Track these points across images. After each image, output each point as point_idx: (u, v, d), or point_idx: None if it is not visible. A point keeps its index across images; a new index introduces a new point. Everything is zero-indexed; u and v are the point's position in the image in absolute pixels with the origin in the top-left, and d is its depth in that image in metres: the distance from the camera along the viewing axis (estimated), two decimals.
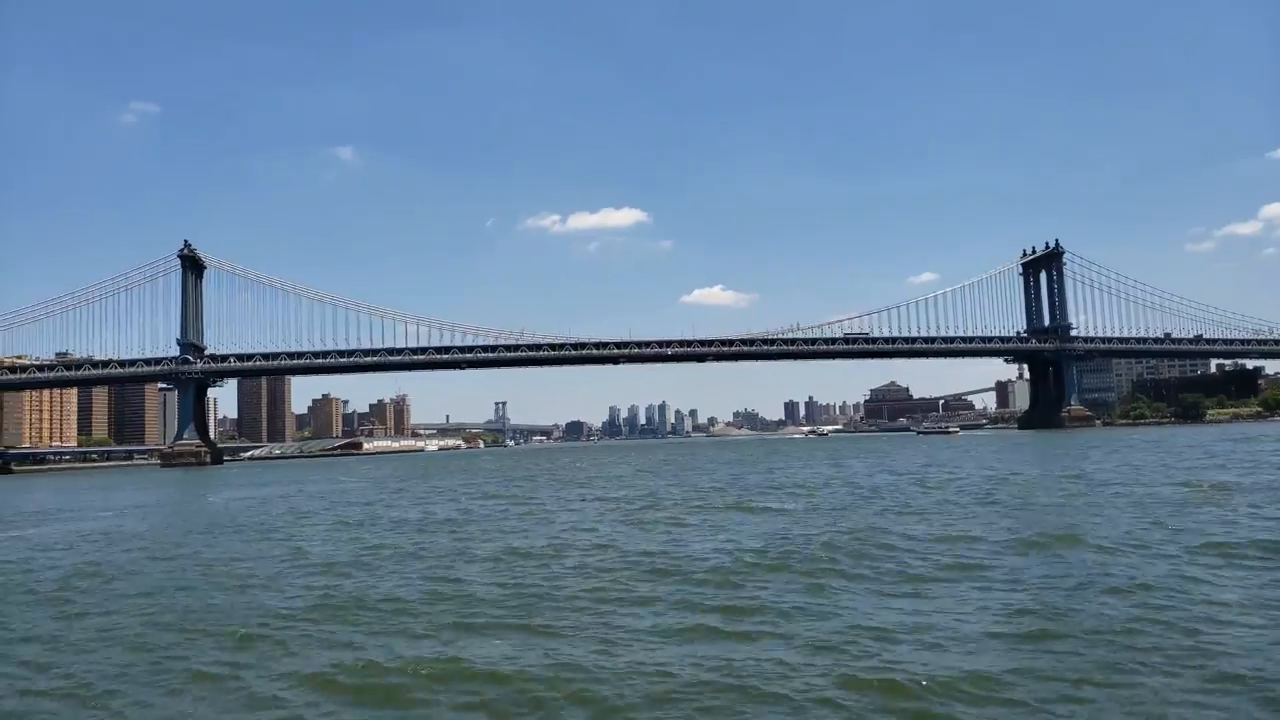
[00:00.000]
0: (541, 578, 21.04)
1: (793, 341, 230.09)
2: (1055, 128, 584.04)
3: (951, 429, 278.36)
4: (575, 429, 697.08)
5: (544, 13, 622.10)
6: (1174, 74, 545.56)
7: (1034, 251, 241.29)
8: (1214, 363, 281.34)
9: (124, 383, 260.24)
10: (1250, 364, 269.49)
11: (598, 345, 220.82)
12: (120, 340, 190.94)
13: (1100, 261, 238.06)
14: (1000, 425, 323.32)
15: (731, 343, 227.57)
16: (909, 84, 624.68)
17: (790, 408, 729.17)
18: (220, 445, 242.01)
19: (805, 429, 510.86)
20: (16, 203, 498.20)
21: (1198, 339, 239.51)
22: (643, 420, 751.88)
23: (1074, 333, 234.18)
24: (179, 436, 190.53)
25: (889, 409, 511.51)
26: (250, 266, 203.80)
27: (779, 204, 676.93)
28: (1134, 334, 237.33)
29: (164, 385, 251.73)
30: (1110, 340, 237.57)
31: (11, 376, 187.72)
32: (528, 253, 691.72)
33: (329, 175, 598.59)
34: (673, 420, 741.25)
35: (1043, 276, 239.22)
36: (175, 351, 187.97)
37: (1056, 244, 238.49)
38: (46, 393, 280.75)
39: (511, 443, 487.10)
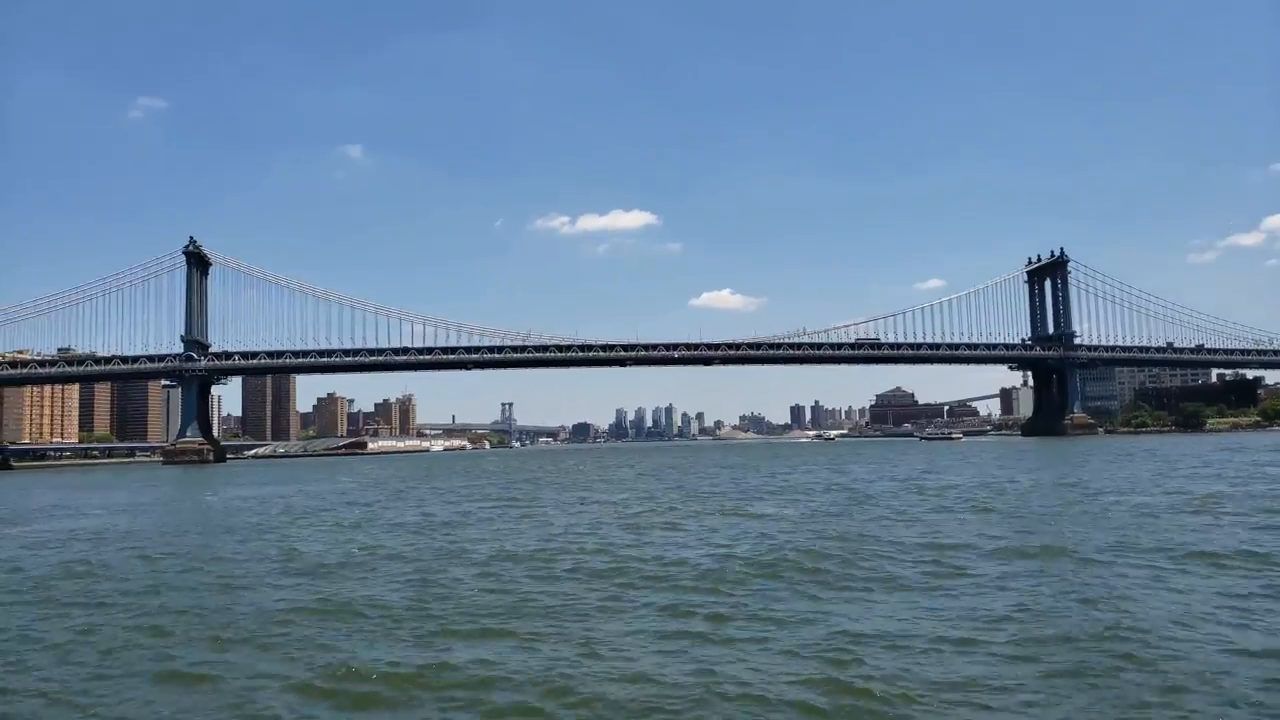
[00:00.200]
0: (532, 582, 21.04)
1: (799, 346, 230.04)
2: (1061, 136, 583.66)
3: (955, 435, 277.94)
4: (582, 431, 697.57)
5: (554, 15, 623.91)
6: (1178, 84, 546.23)
7: (1039, 259, 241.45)
8: (1214, 372, 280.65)
9: (127, 379, 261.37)
10: (1250, 374, 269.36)
11: (604, 347, 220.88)
12: (123, 337, 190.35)
13: (1104, 270, 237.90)
14: (1004, 432, 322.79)
15: (738, 346, 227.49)
16: (916, 87, 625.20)
17: (796, 412, 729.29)
18: (224, 443, 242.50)
19: (811, 433, 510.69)
20: (21, 198, 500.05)
21: (1199, 348, 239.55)
22: (649, 423, 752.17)
23: (1078, 341, 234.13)
24: (182, 434, 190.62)
25: (894, 414, 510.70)
26: (257, 264, 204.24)
27: (787, 207, 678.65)
28: (1137, 343, 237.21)
29: (167, 382, 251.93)
30: (1113, 349, 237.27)
31: (12, 372, 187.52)
32: (537, 254, 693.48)
33: (338, 174, 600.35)
34: (679, 423, 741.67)
35: (1047, 284, 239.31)
36: (179, 348, 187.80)
37: (1061, 252, 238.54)
38: (48, 389, 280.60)
39: (517, 444, 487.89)
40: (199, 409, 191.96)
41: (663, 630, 15.73)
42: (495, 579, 21.58)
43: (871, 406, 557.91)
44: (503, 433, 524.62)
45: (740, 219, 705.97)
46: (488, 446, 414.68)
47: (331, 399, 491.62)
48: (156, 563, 26.67)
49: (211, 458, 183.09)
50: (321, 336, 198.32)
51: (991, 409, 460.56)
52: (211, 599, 20.05)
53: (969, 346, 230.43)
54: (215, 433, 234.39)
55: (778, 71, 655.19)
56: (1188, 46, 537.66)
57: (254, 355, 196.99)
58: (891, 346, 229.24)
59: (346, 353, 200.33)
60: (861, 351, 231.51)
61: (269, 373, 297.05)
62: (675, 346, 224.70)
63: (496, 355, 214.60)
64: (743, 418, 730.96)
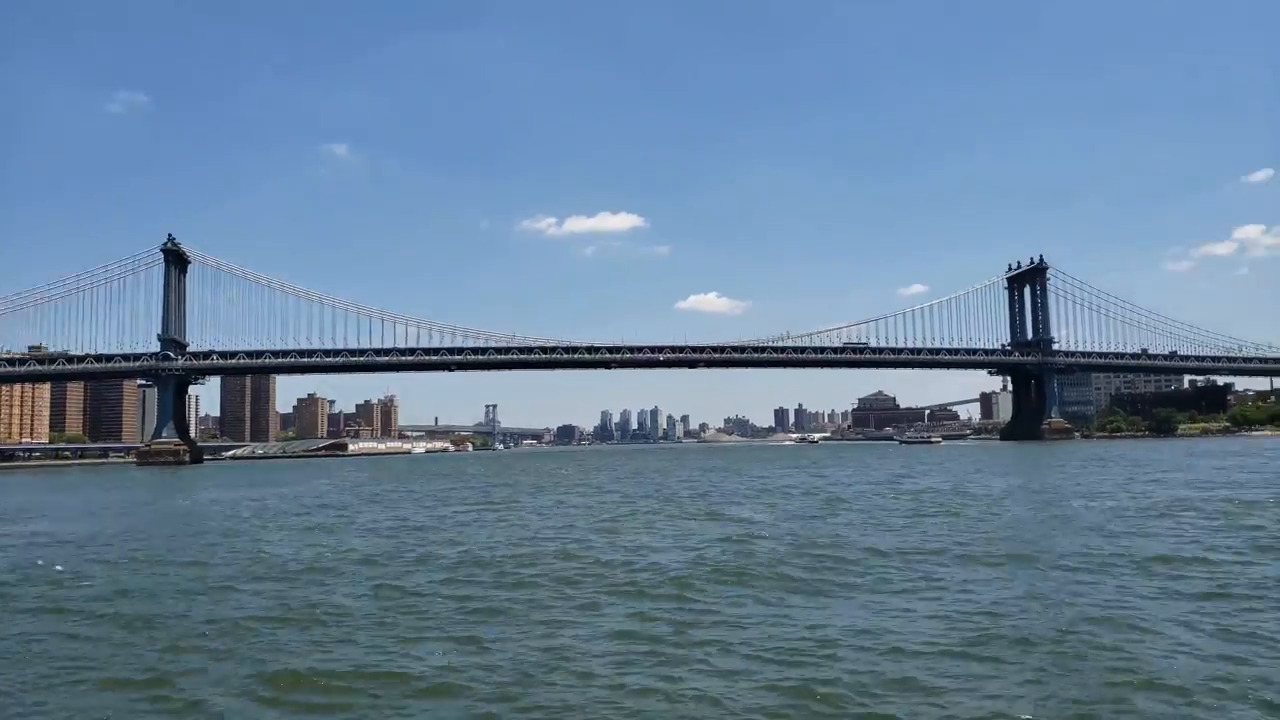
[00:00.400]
0: (499, 588, 20.93)
1: (783, 349, 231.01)
2: (1044, 146, 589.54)
3: (934, 439, 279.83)
4: (566, 433, 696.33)
5: (546, 16, 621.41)
6: (1158, 99, 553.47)
7: (1019, 266, 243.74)
8: (1187, 379, 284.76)
9: (100, 378, 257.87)
10: (1221, 380, 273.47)
11: (590, 349, 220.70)
12: (98, 335, 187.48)
13: (1082, 278, 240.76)
14: (984, 436, 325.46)
15: (724, 350, 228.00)
16: (904, 94, 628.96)
17: (780, 415, 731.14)
18: (201, 444, 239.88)
19: (795, 436, 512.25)
20: None
21: (1172, 355, 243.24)
22: (634, 425, 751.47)
23: (1055, 347, 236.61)
24: (157, 434, 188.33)
25: (876, 418, 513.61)
26: (237, 262, 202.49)
27: (775, 211, 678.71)
28: (1113, 349, 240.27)
29: (143, 382, 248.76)
30: (1090, 355, 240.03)
31: None
32: (523, 255, 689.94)
33: (322, 172, 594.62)
34: (664, 426, 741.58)
35: (1027, 291, 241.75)
36: (155, 347, 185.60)
37: (1041, 259, 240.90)
38: (18, 387, 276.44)
39: (500, 446, 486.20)
40: (175, 409, 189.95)
41: (627, 635, 15.70)
42: (462, 584, 21.45)
43: (854, 410, 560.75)
44: (486, 435, 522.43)
45: (728, 222, 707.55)
46: (470, 448, 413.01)
47: (312, 399, 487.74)
48: (117, 567, 26.31)
49: (188, 459, 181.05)
50: (302, 336, 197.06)
51: (971, 413, 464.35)
52: (170, 605, 19.77)
53: (949, 351, 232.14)
54: (192, 433, 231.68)
55: (769, 75, 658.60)
56: (1167, 64, 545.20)
57: (233, 355, 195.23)
58: (874, 350, 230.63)
59: (327, 353, 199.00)
60: (844, 355, 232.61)
61: (248, 373, 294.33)
62: (660, 349, 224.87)
63: (480, 356, 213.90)
64: (727, 420, 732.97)
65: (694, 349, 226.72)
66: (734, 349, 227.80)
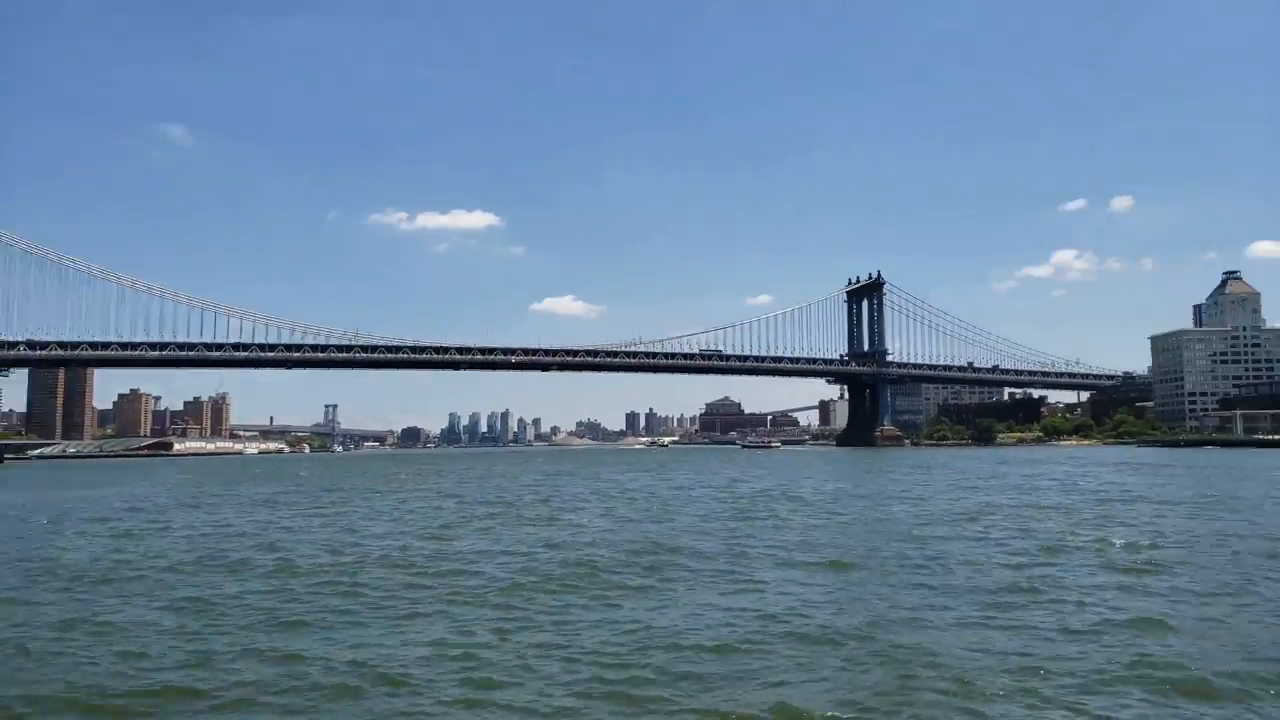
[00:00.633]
0: (313, 595, 20.16)
1: (636, 355, 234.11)
2: (886, 165, 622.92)
3: (774, 444, 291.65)
4: (412, 436, 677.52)
5: (405, 6, 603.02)
6: (988, 129, 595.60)
7: (858, 281, 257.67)
8: (1007, 391, 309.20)
9: None
10: (1036, 393, 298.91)
11: (438, 349, 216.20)
12: None
13: (917, 294, 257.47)
14: (821, 441, 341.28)
15: (577, 353, 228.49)
16: (762, 108, 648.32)
17: (631, 419, 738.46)
18: (1, 442, 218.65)
19: (645, 440, 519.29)
20: None
21: (995, 369, 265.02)
22: (484, 428, 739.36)
23: (890, 358, 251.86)
24: None
25: (722, 422, 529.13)
26: (52, 247, 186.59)
27: (634, 216, 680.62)
28: (942, 362, 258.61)
29: None
30: (921, 367, 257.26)
31: None
32: (372, 250, 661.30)
33: (155, 155, 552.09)
34: (515, 429, 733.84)
35: (865, 305, 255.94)
36: None
37: (878, 275, 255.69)
38: None
39: (340, 448, 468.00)
40: None
41: (443, 645, 15.40)
42: (274, 595, 20.50)
43: (701, 415, 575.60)
44: (325, 436, 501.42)
45: (587, 225, 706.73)
46: (308, 450, 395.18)
47: (135, 395, 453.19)
48: None
49: None
50: (125, 328, 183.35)
51: (811, 419, 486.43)
52: None
53: (791, 360, 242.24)
54: None
55: (629, 81, 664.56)
56: (994, 98, 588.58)
57: (43, 345, 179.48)
58: (721, 357, 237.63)
59: (152, 346, 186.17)
60: (694, 361, 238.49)
61: (60, 365, 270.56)
62: (512, 351, 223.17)
63: (320, 354, 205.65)
64: (579, 424, 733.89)
65: (547, 351, 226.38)
66: (587, 352, 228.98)
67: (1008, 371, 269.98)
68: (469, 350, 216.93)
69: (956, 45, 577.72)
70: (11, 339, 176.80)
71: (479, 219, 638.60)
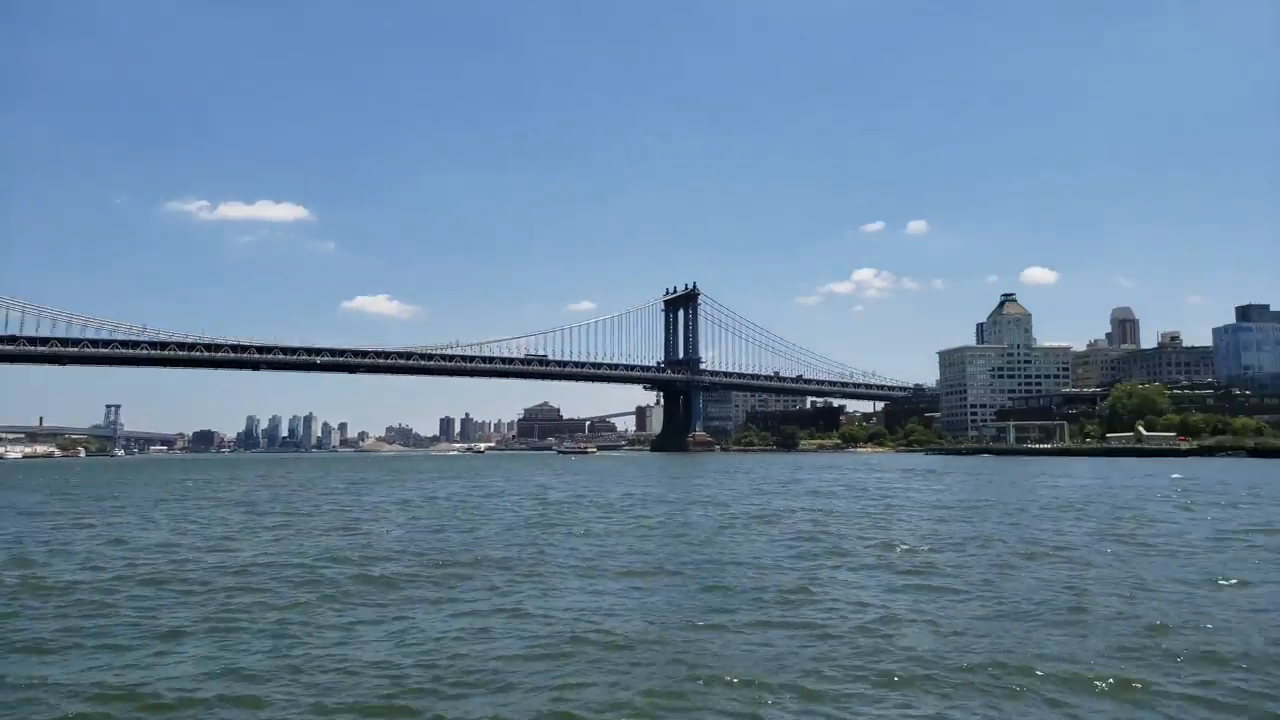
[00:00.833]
0: (59, 617, 18.15)
1: (452, 358, 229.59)
2: (704, 178, 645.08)
3: (590, 450, 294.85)
4: (205, 439, 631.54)
5: None
6: (799, 147, 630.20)
7: (675, 291, 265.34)
8: (809, 399, 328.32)
9: None
10: (836, 402, 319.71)
11: (235, 348, 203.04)
12: None
13: (730, 305, 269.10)
14: (637, 446, 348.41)
15: (389, 355, 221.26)
16: (585, 115, 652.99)
17: (446, 424, 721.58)
18: None
19: (460, 446, 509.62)
20: None
21: (799, 378, 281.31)
22: (285, 432, 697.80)
23: (703, 366, 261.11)
24: None
25: (540, 428, 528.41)
26: None
27: (453, 217, 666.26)
28: (751, 370, 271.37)
29: None
30: (731, 375, 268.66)
31: None
32: (167, 240, 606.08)
33: None
34: (319, 433, 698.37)
35: (681, 314, 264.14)
36: None
37: (694, 286, 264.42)
38: None
39: (122, 452, 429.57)
40: None
41: (209, 660, 14.47)
42: (13, 617, 18.28)
43: (520, 420, 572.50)
44: (105, 439, 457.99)
45: (403, 224, 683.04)
46: (83, 454, 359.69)
47: None
48: None
49: None
50: None
51: (628, 425, 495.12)
52: None
53: (610, 367, 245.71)
54: None
55: (450, 81, 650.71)
56: (801, 120, 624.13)
57: None
58: (543, 362, 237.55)
59: None
60: (513, 366, 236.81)
61: None
62: (318, 351, 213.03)
63: (102, 350, 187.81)
64: (389, 429, 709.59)
65: (356, 353, 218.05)
66: (400, 354, 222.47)
67: (810, 381, 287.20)
68: (270, 349, 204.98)
69: (772, 76, 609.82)
70: None
71: (288, 211, 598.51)
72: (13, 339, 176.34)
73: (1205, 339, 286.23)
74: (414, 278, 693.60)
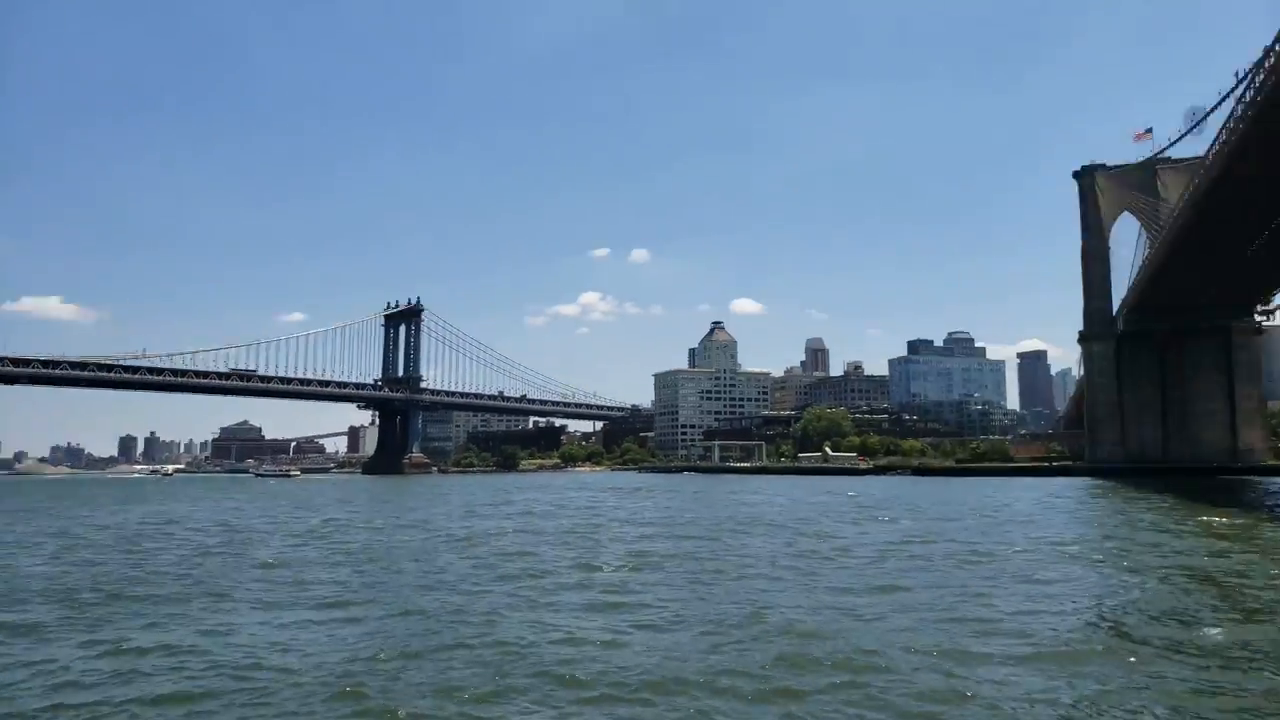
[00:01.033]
0: None
1: (137, 370, 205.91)
2: (433, 194, 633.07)
3: (293, 472, 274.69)
4: None
5: None
6: (532, 171, 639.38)
7: (397, 305, 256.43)
8: (532, 419, 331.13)
9: None
10: (558, 422, 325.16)
11: None
12: None
13: (455, 323, 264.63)
14: (348, 469, 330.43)
15: (58, 364, 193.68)
16: (311, 116, 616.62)
17: (128, 443, 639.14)
18: None
19: (144, 468, 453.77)
20: None
21: (523, 398, 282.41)
22: None
23: (424, 385, 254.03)
24: None
25: (239, 448, 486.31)
26: None
27: (144, 214, 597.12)
28: (474, 390, 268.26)
29: None
30: (454, 394, 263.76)
31: None
32: None
33: None
34: None
35: (403, 330, 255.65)
36: None
37: (418, 301, 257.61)
38: None
39: None
40: None
41: None
42: None
43: (215, 440, 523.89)
44: None
45: (83, 219, 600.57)
46: None
47: None
48: None
49: None
50: None
51: (340, 446, 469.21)
52: None
53: (321, 384, 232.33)
54: None
55: (142, 57, 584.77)
56: (538, 146, 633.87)
57: None
58: (242, 377, 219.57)
59: None
60: (208, 380, 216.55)
61: None
62: None
63: None
64: (55, 449, 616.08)
65: (14, 361, 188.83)
66: (72, 364, 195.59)
67: (534, 401, 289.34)
68: None
69: (512, 96, 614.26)
70: None
71: None
72: None
73: (884, 369, 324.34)
74: (97, 279, 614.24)
